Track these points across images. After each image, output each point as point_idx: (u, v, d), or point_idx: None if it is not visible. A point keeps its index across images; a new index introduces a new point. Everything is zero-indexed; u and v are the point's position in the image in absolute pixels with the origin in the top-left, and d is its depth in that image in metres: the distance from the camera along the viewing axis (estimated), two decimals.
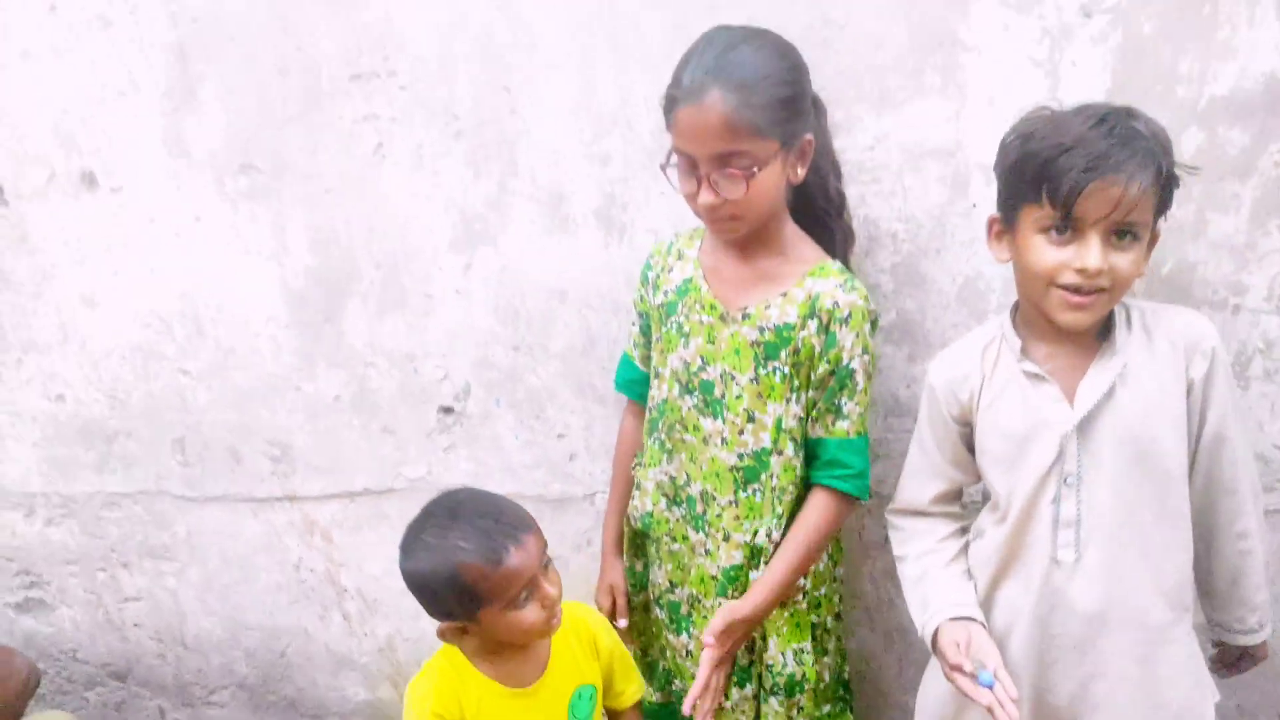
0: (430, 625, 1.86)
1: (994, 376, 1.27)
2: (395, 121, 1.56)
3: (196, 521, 1.84)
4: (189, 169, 1.62)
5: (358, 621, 1.88)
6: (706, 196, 1.22)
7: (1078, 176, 1.09)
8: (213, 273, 1.67)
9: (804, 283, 1.31)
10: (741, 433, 1.33)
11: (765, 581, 1.34)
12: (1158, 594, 1.24)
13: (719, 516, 1.37)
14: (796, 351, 1.30)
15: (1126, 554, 1.23)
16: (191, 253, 1.67)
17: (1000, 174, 1.22)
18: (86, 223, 1.66)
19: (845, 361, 1.30)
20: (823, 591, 1.44)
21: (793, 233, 1.35)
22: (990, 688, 1.16)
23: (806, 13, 1.39)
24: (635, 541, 1.54)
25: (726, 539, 1.37)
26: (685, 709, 1.30)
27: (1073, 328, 1.18)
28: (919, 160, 1.45)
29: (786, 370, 1.30)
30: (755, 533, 1.35)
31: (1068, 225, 1.12)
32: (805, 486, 1.38)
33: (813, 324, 1.29)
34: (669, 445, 1.41)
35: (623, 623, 1.54)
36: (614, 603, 1.56)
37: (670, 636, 1.49)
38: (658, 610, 1.51)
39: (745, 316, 1.32)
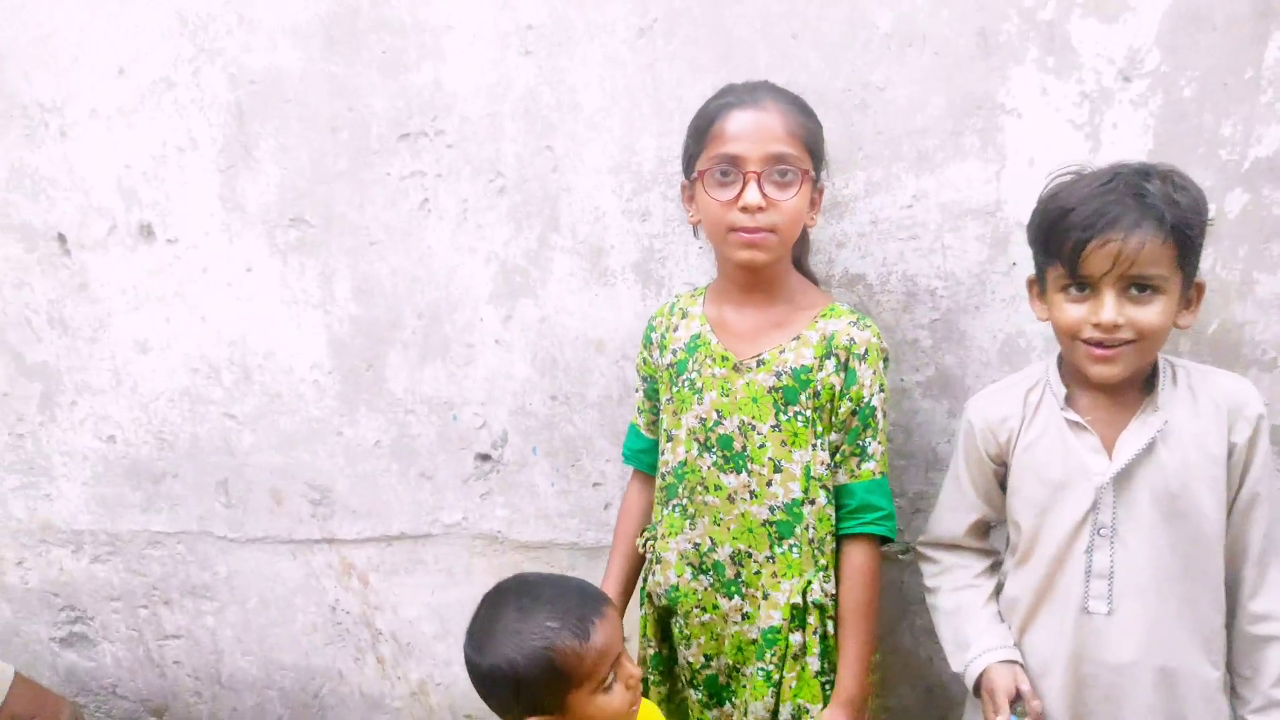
0: (464, 670, 1.88)
1: (1034, 420, 1.27)
2: (441, 178, 1.60)
3: (237, 562, 1.87)
4: (242, 222, 1.67)
5: (391, 665, 1.90)
6: (753, 195, 1.23)
7: (1077, 236, 1.13)
8: (261, 321, 1.72)
9: (816, 324, 1.32)
10: (769, 484, 1.32)
11: (849, 661, 1.32)
12: (1196, 650, 1.23)
13: (756, 575, 1.34)
14: (817, 394, 1.30)
15: (1163, 608, 1.22)
16: (241, 302, 1.71)
17: (1029, 236, 1.25)
18: (143, 272, 1.72)
19: (867, 399, 1.31)
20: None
21: (797, 279, 1.38)
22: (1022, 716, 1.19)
23: (846, 76, 1.41)
24: (660, 621, 1.48)
25: (765, 597, 1.34)
26: None
27: (1102, 380, 1.18)
28: (958, 219, 1.46)
29: (808, 414, 1.30)
30: (801, 590, 1.32)
31: (1083, 283, 1.15)
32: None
33: (830, 364, 1.30)
34: (691, 510, 1.39)
35: None
36: None
37: (712, 714, 1.44)
38: (692, 692, 1.45)
39: (760, 363, 1.32)
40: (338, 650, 1.90)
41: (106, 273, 1.73)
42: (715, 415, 1.34)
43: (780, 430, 1.31)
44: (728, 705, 1.42)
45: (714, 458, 1.35)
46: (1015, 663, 1.28)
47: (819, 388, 1.30)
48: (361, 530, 1.81)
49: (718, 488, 1.35)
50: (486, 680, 1.14)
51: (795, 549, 1.33)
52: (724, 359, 1.35)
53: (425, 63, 1.55)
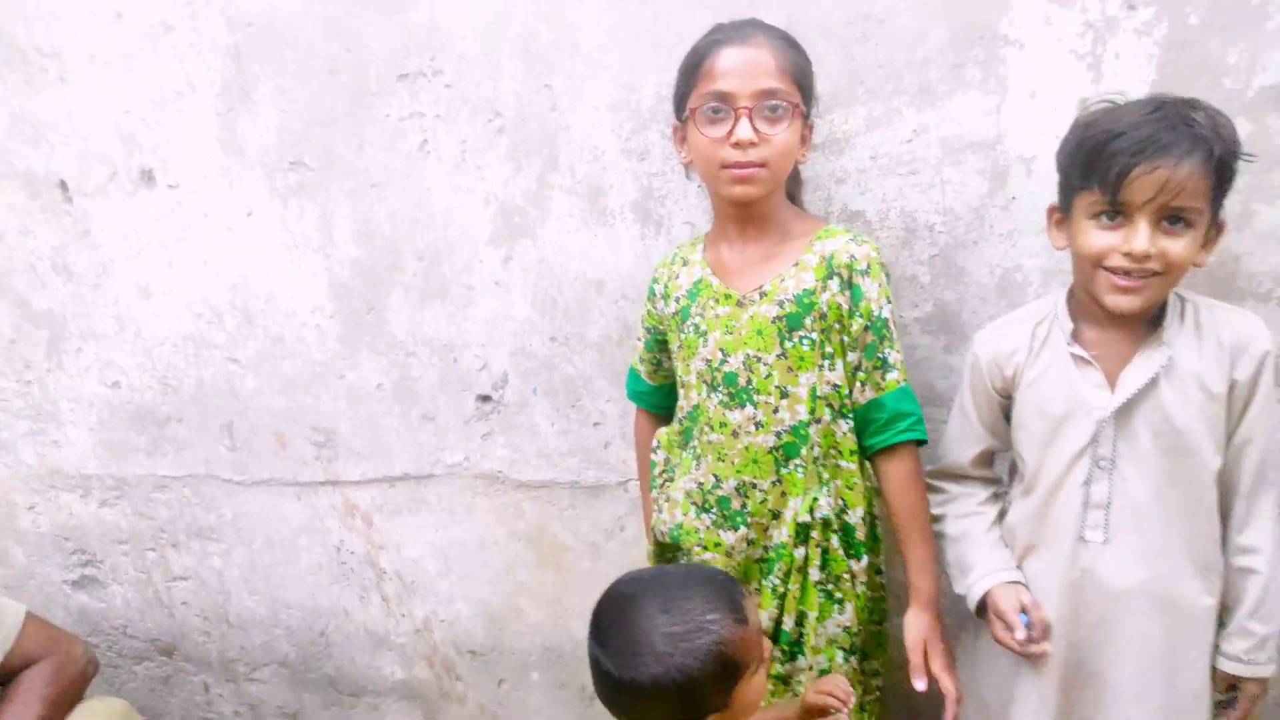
0: (467, 607, 1.92)
1: (1040, 354, 1.28)
2: (440, 119, 1.60)
3: (242, 504, 1.89)
4: (241, 166, 1.67)
5: (395, 603, 1.93)
6: (745, 130, 1.24)
7: (1125, 160, 1.11)
8: (262, 265, 1.73)
9: (813, 248, 1.33)
10: (776, 410, 1.33)
11: (919, 565, 1.36)
12: (1191, 579, 1.25)
13: (762, 503, 1.37)
14: (823, 316, 1.31)
15: (1159, 538, 1.24)
16: (242, 246, 1.72)
17: (1059, 162, 1.25)
18: (144, 218, 1.72)
19: (877, 313, 1.32)
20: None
21: (789, 211, 1.39)
22: (1027, 625, 1.26)
23: (846, 8, 1.40)
24: (664, 558, 1.52)
25: (775, 518, 1.37)
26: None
27: (1120, 310, 1.18)
28: (958, 153, 1.45)
29: (815, 337, 1.32)
30: (808, 508, 1.35)
31: (1117, 210, 1.14)
32: (848, 452, 1.37)
33: (834, 283, 1.31)
34: (699, 450, 1.41)
35: None
36: None
37: None
38: None
39: (762, 295, 1.33)
40: (343, 589, 1.93)
41: (108, 219, 1.73)
42: (720, 355, 1.36)
43: (786, 358, 1.32)
44: None
45: (720, 396, 1.37)
46: (1018, 583, 1.31)
47: (824, 309, 1.31)
48: (365, 471, 1.84)
49: (723, 424, 1.37)
50: (648, 696, 1.03)
51: (801, 469, 1.35)
52: (727, 297, 1.36)
53: (422, 1, 1.54)
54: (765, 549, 1.39)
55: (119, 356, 1.81)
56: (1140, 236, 1.13)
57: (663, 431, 1.53)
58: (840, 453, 1.38)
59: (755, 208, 1.33)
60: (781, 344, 1.33)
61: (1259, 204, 1.40)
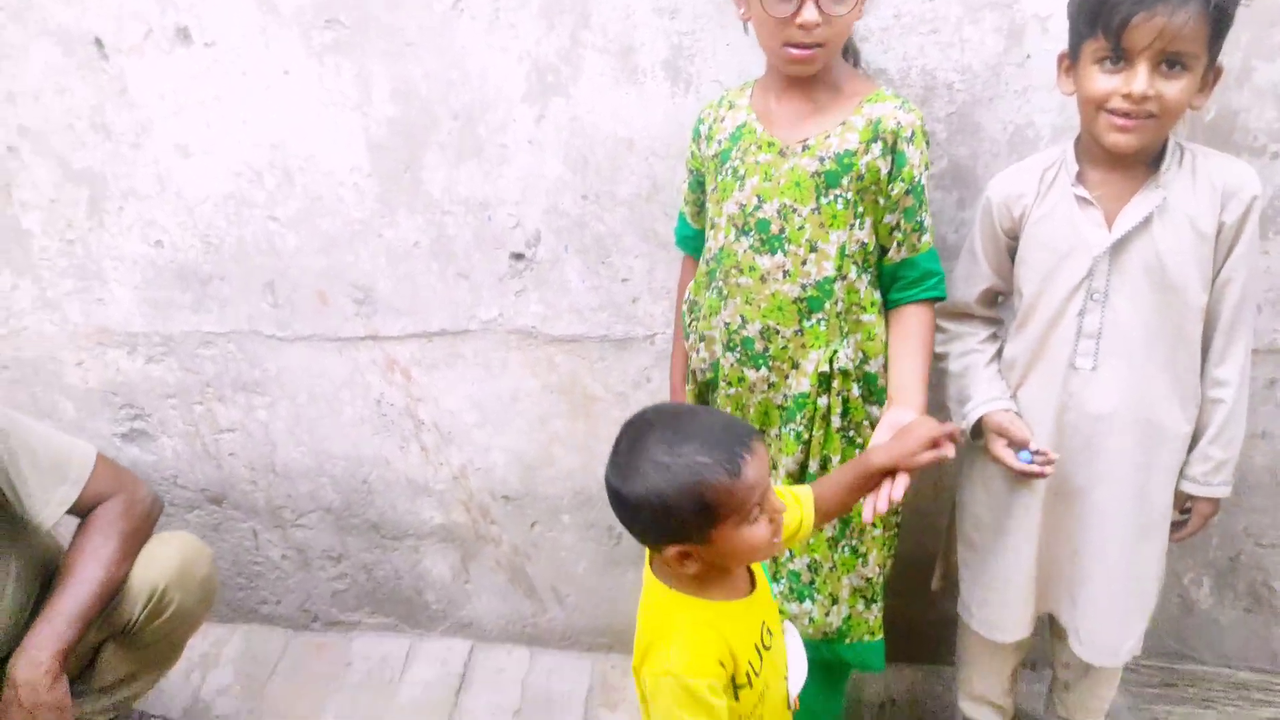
0: (502, 456, 2.05)
1: (1047, 196, 1.39)
2: None
3: (286, 359, 1.99)
4: (277, 24, 1.70)
5: (434, 452, 2.06)
6: (811, 14, 1.29)
7: (1127, 8, 1.21)
8: (300, 124, 1.77)
9: (862, 109, 1.41)
10: (804, 263, 1.43)
11: (915, 377, 1.46)
12: (1171, 405, 1.40)
13: (784, 349, 1.47)
14: (860, 177, 1.40)
15: (1144, 366, 1.38)
16: (280, 105, 1.76)
17: (1069, 13, 1.34)
18: (182, 77, 1.75)
19: (917, 178, 1.42)
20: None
21: (844, 68, 1.45)
22: (1029, 463, 1.39)
23: None
24: (701, 398, 1.64)
25: (795, 367, 1.48)
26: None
27: (1119, 149, 1.29)
28: (978, 11, 1.52)
29: (850, 197, 1.40)
30: (828, 359, 1.46)
31: (1119, 56, 1.24)
32: (870, 305, 1.48)
33: (876, 147, 1.39)
34: (725, 291, 1.50)
35: None
36: None
37: None
38: None
39: (805, 148, 1.41)
40: (383, 440, 2.06)
41: (145, 78, 1.76)
42: (755, 200, 1.44)
43: (819, 213, 1.41)
44: None
45: (751, 240, 1.46)
46: (1011, 411, 1.45)
47: (863, 170, 1.39)
48: (404, 327, 1.94)
49: (751, 269, 1.47)
50: (631, 509, 1.12)
51: (823, 322, 1.46)
52: (770, 145, 1.44)
53: None
54: (785, 396, 1.51)
55: (161, 215, 1.87)
56: (1139, 79, 1.24)
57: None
58: (863, 307, 1.49)
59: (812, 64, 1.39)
60: (817, 199, 1.41)
61: (1258, 60, 1.49)
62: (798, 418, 1.50)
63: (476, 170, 1.79)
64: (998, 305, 1.57)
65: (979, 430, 1.49)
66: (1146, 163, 1.35)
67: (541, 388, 1.97)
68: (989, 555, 1.57)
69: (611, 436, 1.15)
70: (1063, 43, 1.38)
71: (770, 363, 1.50)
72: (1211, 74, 1.29)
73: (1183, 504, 1.50)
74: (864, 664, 1.62)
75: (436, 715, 2.05)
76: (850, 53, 1.51)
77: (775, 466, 1.54)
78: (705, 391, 1.62)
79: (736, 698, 1.17)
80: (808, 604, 1.57)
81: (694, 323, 1.60)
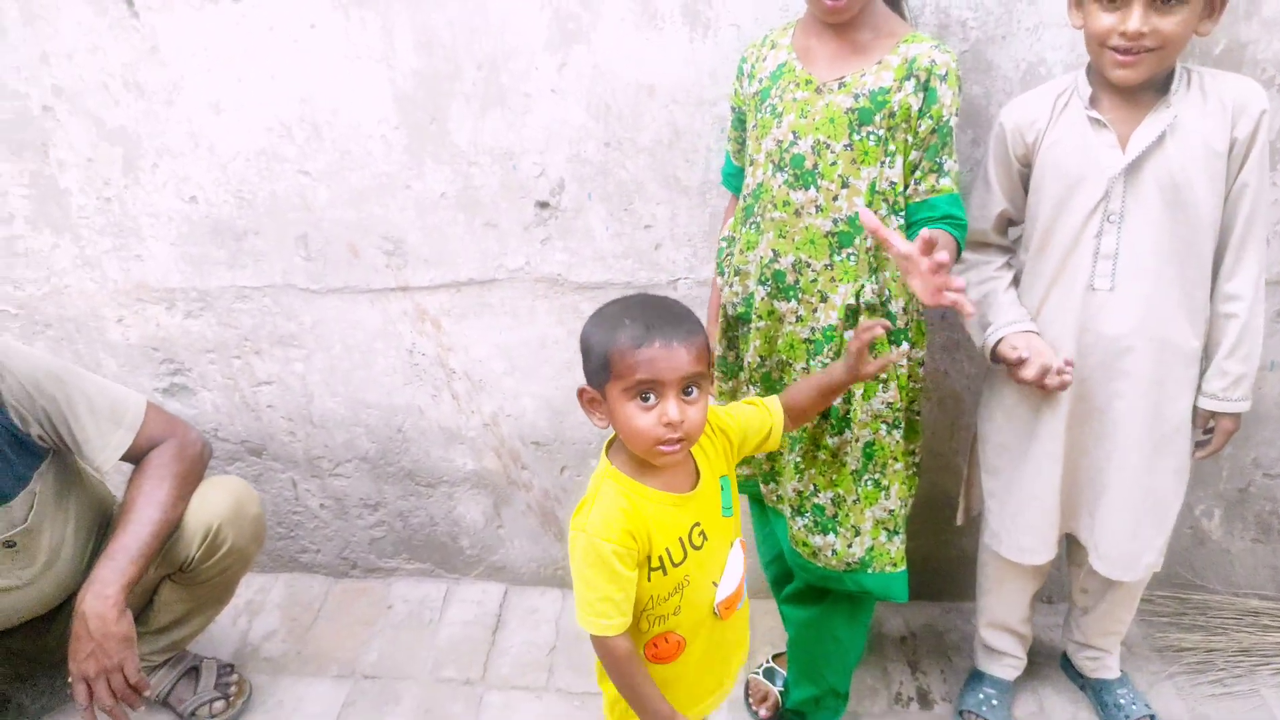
0: (531, 402, 2.11)
1: (1060, 120, 1.43)
2: None
3: (319, 311, 2.05)
4: None
5: (465, 400, 2.12)
6: None
7: None
8: (328, 78, 1.82)
9: (898, 49, 1.43)
10: (835, 199, 1.46)
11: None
12: (1183, 323, 1.44)
13: (813, 282, 1.51)
14: (892, 114, 1.42)
15: (1159, 286, 1.42)
16: (308, 59, 1.80)
17: None
18: (211, 33, 1.79)
19: (945, 118, 1.43)
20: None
21: (882, 8, 1.47)
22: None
23: None
24: (728, 332, 1.68)
25: (824, 300, 1.51)
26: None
27: (1122, 83, 1.33)
28: None
29: (881, 134, 1.43)
30: (855, 293, 1.49)
31: None
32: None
33: (909, 84, 1.42)
34: (761, 226, 1.53)
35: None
36: None
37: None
38: (750, 388, 1.64)
39: (841, 85, 1.44)
40: (416, 389, 2.12)
41: (176, 35, 1.80)
42: (791, 136, 1.48)
43: (852, 149, 1.45)
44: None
45: (785, 176, 1.49)
46: (1032, 332, 1.50)
47: (895, 107, 1.42)
48: (433, 278, 1.99)
49: (786, 203, 1.50)
50: (580, 342, 1.26)
51: (853, 257, 1.50)
52: (807, 82, 1.47)
53: None
54: (813, 329, 1.55)
55: (195, 172, 1.92)
56: (1133, 18, 1.28)
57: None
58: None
59: (846, 10, 1.42)
60: (850, 135, 1.44)
61: None
62: (824, 350, 1.54)
63: (501, 120, 1.83)
64: (1008, 233, 1.61)
65: (998, 356, 1.53)
66: (1156, 89, 1.39)
67: (568, 334, 2.02)
68: (1015, 480, 1.62)
69: None
70: None
71: (800, 295, 1.53)
72: (1214, 3, 1.32)
73: (1205, 423, 1.55)
74: (887, 593, 1.67)
75: (476, 653, 2.13)
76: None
77: None
78: (734, 327, 1.66)
79: (649, 580, 1.27)
80: (831, 537, 1.62)
81: (729, 257, 1.65)
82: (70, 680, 1.59)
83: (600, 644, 1.28)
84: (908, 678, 2.04)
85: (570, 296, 1.98)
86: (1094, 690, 1.91)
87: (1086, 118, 1.40)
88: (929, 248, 1.20)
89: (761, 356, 1.62)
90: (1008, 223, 1.58)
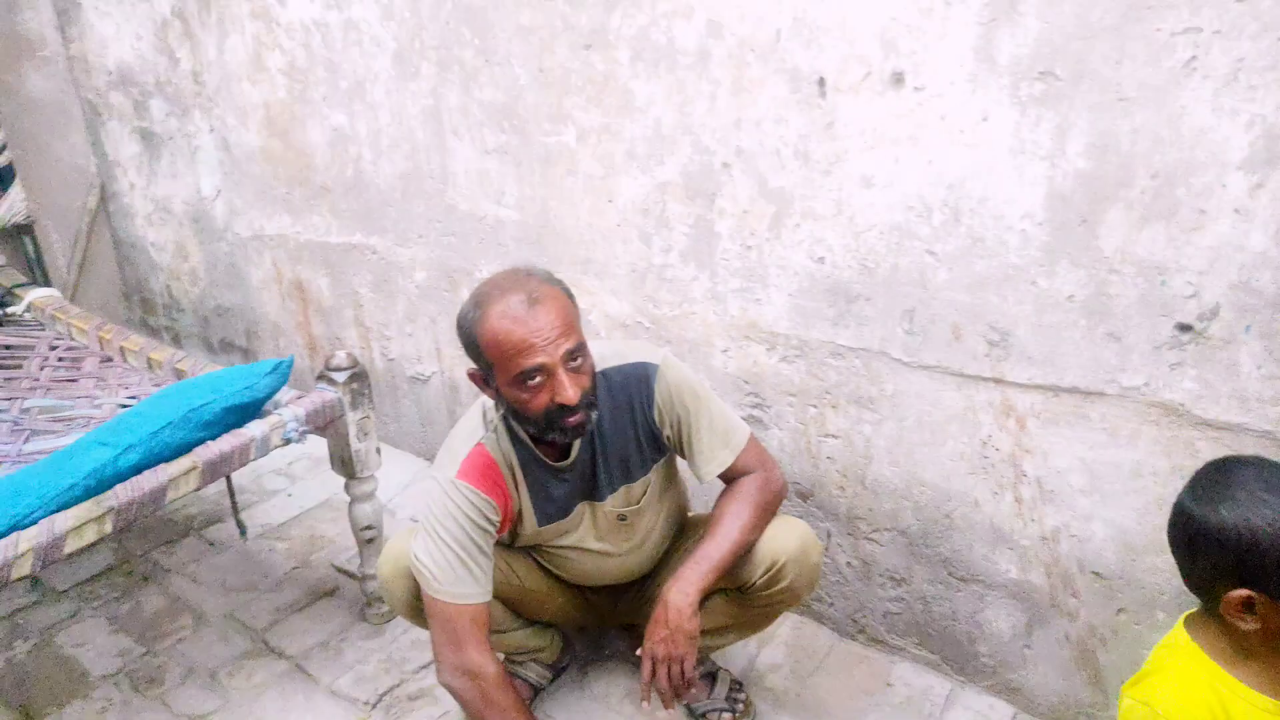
0: (1103, 529, 1.95)
1: None
2: (1219, 34, 1.57)
3: (904, 383, 2.12)
4: (989, 74, 1.81)
5: (1028, 506, 2.03)
6: None
7: None
8: (983, 168, 1.87)
9: None
10: None
11: None
12: None
13: None
14: None
15: None
16: (969, 149, 1.87)
17: None
18: (885, 116, 1.95)
19: None
20: None
21: None
22: None
23: None
24: None
25: None
26: None
27: None
28: None
29: None
30: None
31: None
32: None
33: None
34: None
35: None
36: None
37: None
38: None
39: None
40: (978, 480, 2.08)
41: (852, 114, 2.00)
42: None
43: None
44: None
45: None
46: None
47: None
48: (1032, 376, 1.94)
49: None
50: (1201, 536, 1.14)
51: None
52: None
53: None
54: None
55: (829, 236, 2.11)
56: None
57: None
58: None
59: None
60: None
61: None
62: None
63: (1161, 233, 1.72)
64: None
65: None
66: None
67: (1171, 470, 1.82)
68: None
69: None
70: None
71: None
72: None
73: None
74: None
75: None
76: None
77: None
78: None
79: None
80: None
81: None
82: (639, 654, 1.83)
83: None
84: None
85: (1187, 431, 1.79)
86: None
87: None
88: None
89: None
90: None
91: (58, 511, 1.89)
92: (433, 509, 1.82)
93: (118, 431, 2.04)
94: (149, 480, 2.01)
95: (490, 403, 1.88)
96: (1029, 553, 2.06)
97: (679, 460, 2.04)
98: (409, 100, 2.81)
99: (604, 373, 1.85)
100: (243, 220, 3.61)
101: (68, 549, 1.89)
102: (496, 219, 2.76)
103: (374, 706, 2.27)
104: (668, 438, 1.93)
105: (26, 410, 2.62)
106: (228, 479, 2.30)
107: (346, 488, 2.44)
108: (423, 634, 2.22)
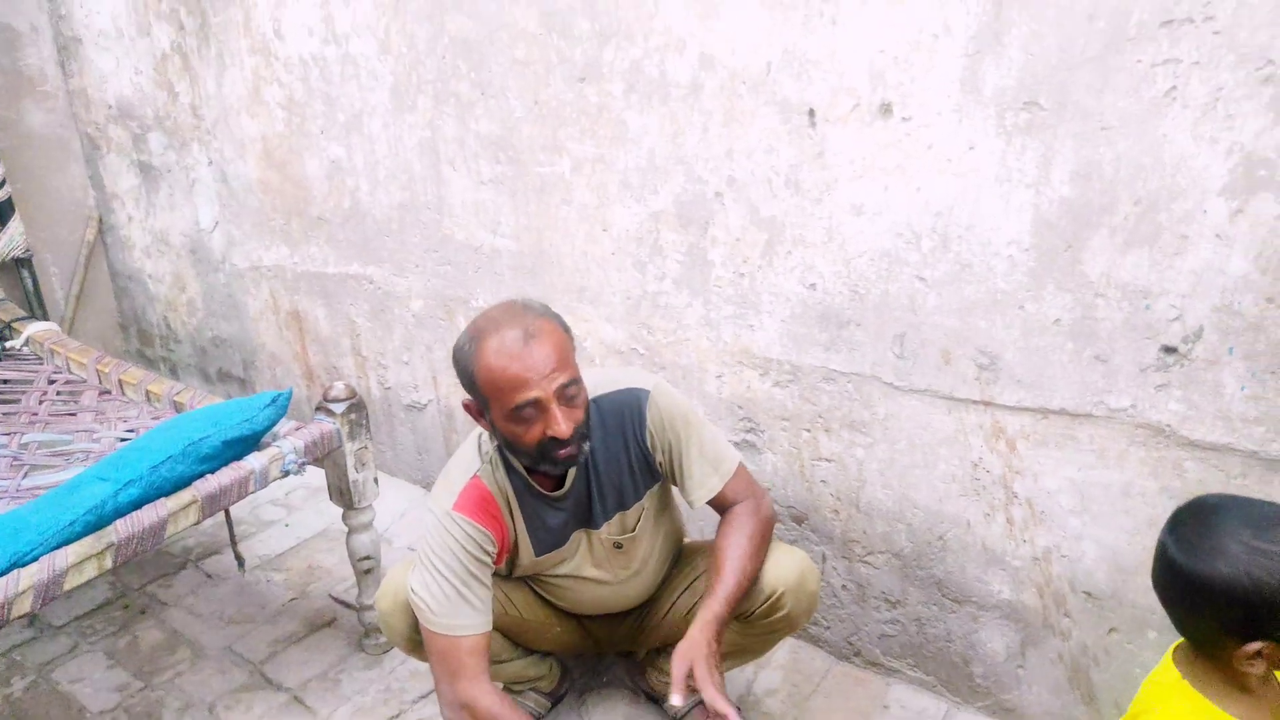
0: (1093, 549, 1.97)
1: None
2: (1197, 65, 1.62)
3: (896, 407, 2.15)
4: (975, 104, 1.85)
5: (1020, 528, 2.05)
6: None
7: None
8: (970, 196, 1.91)
9: None
10: None
11: None
12: None
13: None
14: None
15: None
16: (956, 177, 1.92)
17: None
18: (873, 146, 2.00)
19: None
20: None
21: None
22: None
23: None
24: None
25: None
26: None
27: None
28: None
29: None
30: None
31: None
32: None
33: None
34: None
35: None
36: None
37: None
38: None
39: None
40: (970, 502, 2.11)
41: (842, 144, 2.04)
42: None
43: None
44: None
45: None
46: None
47: None
48: (1020, 399, 1.97)
49: None
50: (1203, 594, 1.10)
51: None
52: None
53: None
54: None
55: (820, 262, 2.15)
56: None
57: None
58: None
59: None
60: None
61: None
62: None
63: (1145, 258, 1.76)
64: None
65: None
66: None
67: (1159, 490, 1.85)
68: None
69: None
70: None
71: None
72: None
73: None
74: None
75: None
76: None
77: None
78: None
79: None
80: None
81: None
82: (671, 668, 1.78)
83: None
84: None
85: (1174, 451, 1.82)
86: None
87: None
88: None
89: None
90: None
91: (58, 548, 1.89)
92: (430, 542, 1.83)
93: (117, 466, 2.06)
94: (149, 515, 2.02)
95: (485, 434, 1.90)
96: (1021, 573, 2.08)
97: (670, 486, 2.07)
98: (406, 132, 2.85)
99: (596, 400, 1.87)
100: (240, 251, 3.64)
101: (68, 585, 1.89)
102: (492, 248, 2.79)
103: None
104: (660, 464, 1.95)
105: (25, 445, 2.63)
106: (226, 511, 2.31)
107: (344, 518, 2.45)
108: (421, 665, 2.22)
